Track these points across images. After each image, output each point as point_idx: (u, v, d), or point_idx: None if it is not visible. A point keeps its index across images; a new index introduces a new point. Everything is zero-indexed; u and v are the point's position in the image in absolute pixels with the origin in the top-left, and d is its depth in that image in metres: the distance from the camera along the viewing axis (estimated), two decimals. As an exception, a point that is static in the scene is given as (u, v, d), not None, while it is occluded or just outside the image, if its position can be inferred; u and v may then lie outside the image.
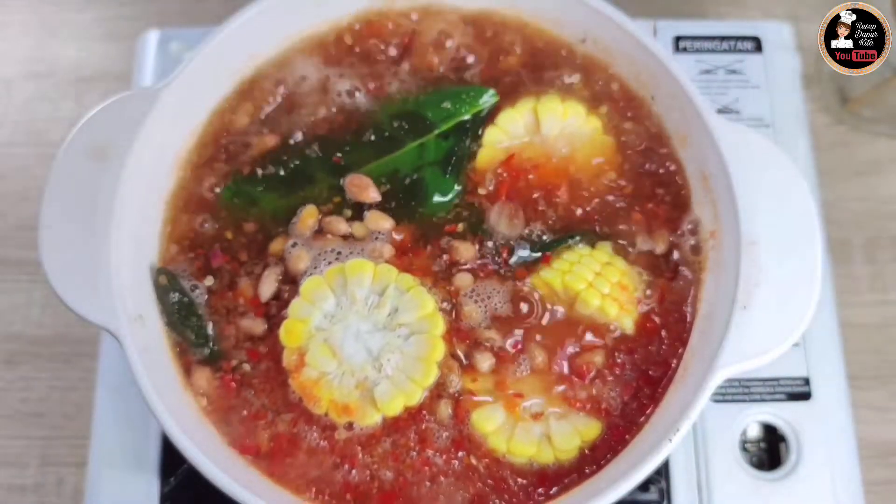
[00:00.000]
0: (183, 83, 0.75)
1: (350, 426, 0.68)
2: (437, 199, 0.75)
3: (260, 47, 0.81)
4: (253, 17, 0.77)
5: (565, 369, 0.70)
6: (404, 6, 0.83)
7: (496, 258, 0.73)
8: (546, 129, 0.77)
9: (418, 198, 0.76)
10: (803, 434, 0.81)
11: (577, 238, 0.74)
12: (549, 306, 0.72)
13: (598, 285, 0.71)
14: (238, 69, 0.81)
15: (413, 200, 0.76)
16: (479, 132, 0.78)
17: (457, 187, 0.76)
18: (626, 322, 0.72)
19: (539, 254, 0.73)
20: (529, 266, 0.73)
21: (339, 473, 0.68)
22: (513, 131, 0.78)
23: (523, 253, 0.74)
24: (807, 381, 0.83)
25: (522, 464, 0.68)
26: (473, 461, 0.68)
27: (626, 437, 0.68)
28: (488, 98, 0.78)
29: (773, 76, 0.95)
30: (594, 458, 0.68)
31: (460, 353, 0.70)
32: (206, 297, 0.73)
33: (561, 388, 0.69)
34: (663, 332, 0.72)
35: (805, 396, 0.82)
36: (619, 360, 0.71)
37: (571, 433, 0.68)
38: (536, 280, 0.73)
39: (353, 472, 0.68)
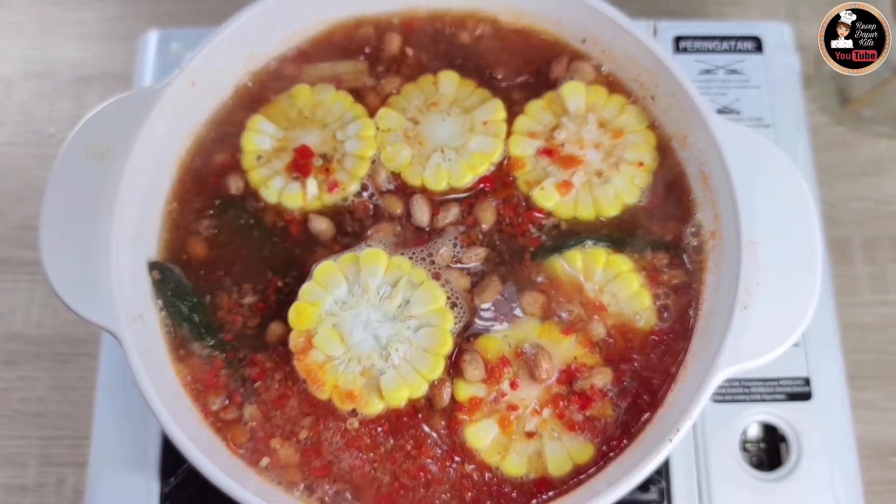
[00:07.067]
0: (183, 83, 0.75)
1: (353, 412, 0.68)
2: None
3: (260, 48, 0.81)
4: (253, 17, 0.77)
5: (564, 388, 0.69)
6: (404, 7, 0.83)
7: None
8: (572, 107, 0.78)
9: None
10: (803, 434, 0.81)
11: (591, 242, 0.74)
12: (561, 301, 0.72)
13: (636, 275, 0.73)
14: (238, 69, 0.81)
15: None
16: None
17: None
18: (652, 315, 0.72)
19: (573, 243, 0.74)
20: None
21: (337, 473, 0.68)
22: (541, 118, 0.79)
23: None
24: (807, 381, 0.83)
25: (518, 475, 0.68)
26: (468, 469, 0.68)
27: (623, 444, 0.68)
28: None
29: (773, 76, 0.95)
30: (590, 465, 0.68)
31: (462, 364, 0.70)
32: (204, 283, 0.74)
33: (558, 406, 0.69)
34: (666, 335, 0.72)
35: (805, 396, 0.82)
36: (621, 368, 0.70)
37: (563, 457, 0.68)
38: (571, 256, 0.73)
39: (352, 472, 0.68)
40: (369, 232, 0.74)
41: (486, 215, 0.75)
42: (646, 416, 0.69)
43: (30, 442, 0.90)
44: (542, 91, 0.80)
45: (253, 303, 0.73)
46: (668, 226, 0.76)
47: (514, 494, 0.67)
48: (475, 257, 0.73)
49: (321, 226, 0.75)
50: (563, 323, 0.71)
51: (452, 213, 0.75)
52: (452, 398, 0.69)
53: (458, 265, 0.73)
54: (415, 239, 0.75)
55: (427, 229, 0.75)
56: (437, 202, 0.76)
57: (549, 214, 0.76)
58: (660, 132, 0.78)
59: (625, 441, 0.68)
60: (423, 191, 0.76)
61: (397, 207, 0.76)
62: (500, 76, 0.81)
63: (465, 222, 0.75)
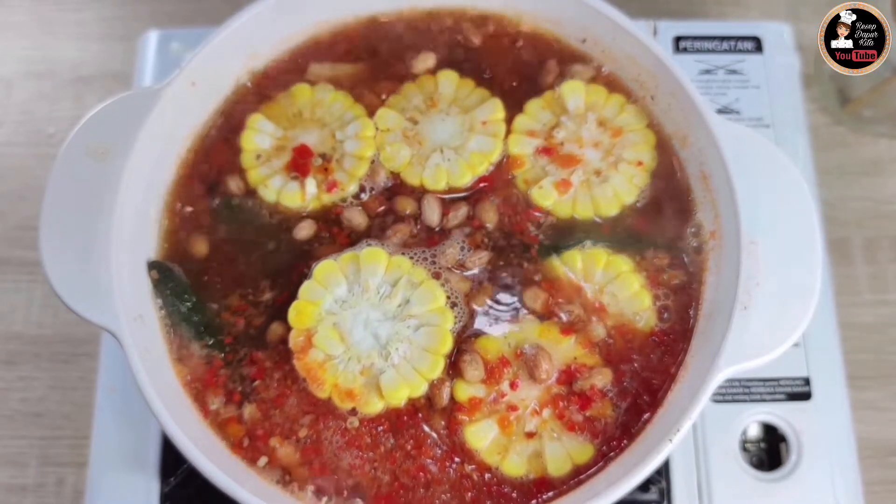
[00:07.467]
0: (183, 83, 0.75)
1: (353, 411, 0.68)
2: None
3: (260, 48, 0.81)
4: (253, 18, 0.77)
5: (564, 389, 0.69)
6: (403, 6, 0.83)
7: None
8: (571, 106, 0.78)
9: None
10: (803, 434, 0.81)
11: (591, 242, 0.74)
12: (561, 302, 0.72)
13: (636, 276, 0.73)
14: (238, 69, 0.81)
15: None
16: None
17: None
18: (652, 316, 0.72)
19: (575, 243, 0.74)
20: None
21: (337, 472, 0.68)
22: (541, 117, 0.79)
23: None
24: (807, 381, 0.83)
25: (517, 475, 0.68)
26: (468, 469, 0.68)
27: (623, 444, 0.68)
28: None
29: (773, 76, 0.95)
30: (590, 465, 0.68)
31: (462, 365, 0.70)
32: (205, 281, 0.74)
33: (558, 406, 0.69)
34: (666, 336, 0.72)
35: (805, 396, 0.82)
36: (621, 369, 0.70)
37: (563, 457, 0.68)
38: (571, 256, 0.73)
39: (352, 472, 0.68)
40: (388, 233, 0.74)
41: (490, 215, 0.75)
42: (646, 416, 0.69)
43: (30, 442, 0.90)
44: (541, 90, 0.80)
45: (251, 301, 0.73)
46: (668, 226, 0.75)
47: (513, 495, 0.67)
48: (478, 261, 0.73)
49: (357, 218, 0.75)
50: (562, 323, 0.71)
51: (461, 213, 0.75)
52: (452, 398, 0.69)
53: (461, 270, 0.73)
54: (427, 239, 0.74)
55: (437, 229, 0.75)
56: (448, 202, 0.76)
57: (547, 213, 0.76)
58: (659, 131, 0.78)
59: (625, 441, 0.68)
60: (423, 190, 0.76)
61: (407, 207, 0.75)
62: (499, 75, 0.81)
63: (472, 224, 0.75)
